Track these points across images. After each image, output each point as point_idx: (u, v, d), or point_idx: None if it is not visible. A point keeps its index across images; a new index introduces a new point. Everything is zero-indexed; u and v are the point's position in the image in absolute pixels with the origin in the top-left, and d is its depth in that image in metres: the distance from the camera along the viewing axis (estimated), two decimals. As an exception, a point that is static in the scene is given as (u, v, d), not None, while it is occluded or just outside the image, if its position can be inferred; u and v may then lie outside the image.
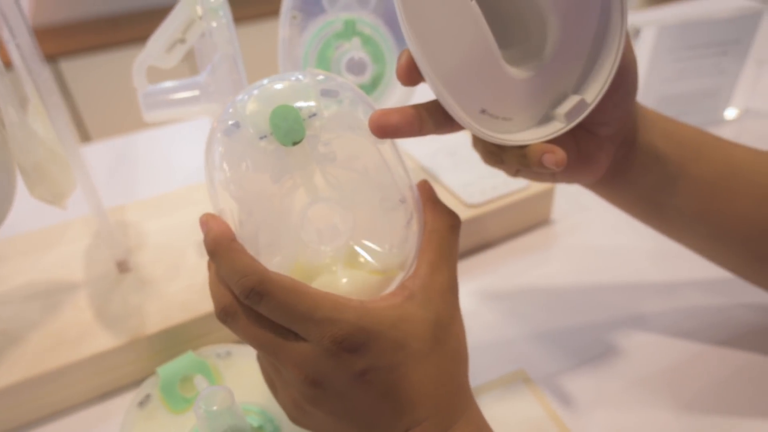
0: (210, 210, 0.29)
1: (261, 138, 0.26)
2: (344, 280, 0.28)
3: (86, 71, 1.98)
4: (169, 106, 0.40)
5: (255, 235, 0.28)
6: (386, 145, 0.29)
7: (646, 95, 0.63)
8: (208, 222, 0.28)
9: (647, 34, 0.60)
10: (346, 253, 0.29)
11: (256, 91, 0.28)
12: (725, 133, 0.65)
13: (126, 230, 0.49)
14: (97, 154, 0.71)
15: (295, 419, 0.30)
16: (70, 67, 1.95)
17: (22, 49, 0.34)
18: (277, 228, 0.28)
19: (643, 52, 0.61)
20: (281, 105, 0.26)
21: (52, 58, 1.93)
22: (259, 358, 0.32)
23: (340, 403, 0.27)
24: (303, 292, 0.26)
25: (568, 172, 0.34)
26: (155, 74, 0.41)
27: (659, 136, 0.35)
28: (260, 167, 0.27)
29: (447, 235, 0.29)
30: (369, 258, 0.29)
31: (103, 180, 0.65)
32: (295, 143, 0.27)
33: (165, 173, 0.66)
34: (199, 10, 0.36)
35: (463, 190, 0.50)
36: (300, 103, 0.27)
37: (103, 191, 0.62)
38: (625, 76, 0.31)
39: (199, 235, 0.48)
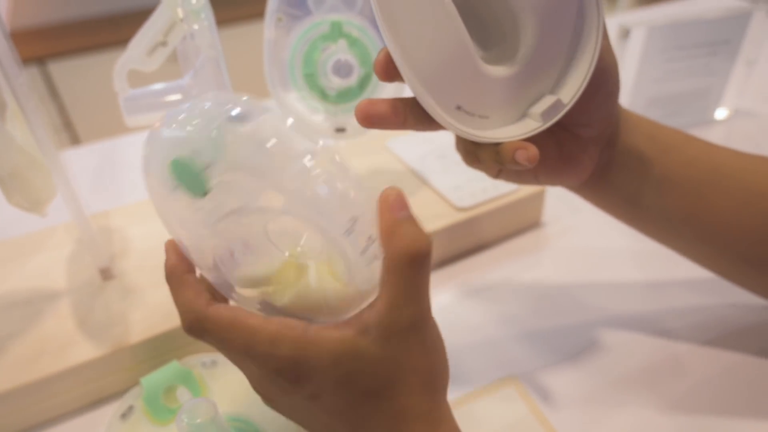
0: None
1: (174, 189, 0.25)
2: (326, 287, 0.27)
3: (76, 73, 1.96)
4: (151, 110, 0.39)
5: (225, 253, 0.27)
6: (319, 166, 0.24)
7: (636, 96, 0.63)
8: (167, 251, 0.29)
9: (637, 34, 0.59)
10: (325, 258, 0.27)
11: (159, 132, 0.25)
12: (715, 133, 0.65)
13: (110, 236, 0.48)
14: (84, 158, 0.70)
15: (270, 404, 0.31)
16: (59, 68, 1.93)
17: (-2, 53, 0.33)
18: (246, 244, 0.27)
19: (633, 53, 0.61)
20: (176, 159, 0.24)
21: (40, 59, 1.91)
22: None
23: (297, 415, 0.29)
24: (241, 327, 0.26)
25: (552, 174, 0.34)
26: (143, 78, 0.40)
27: (643, 138, 0.35)
28: (190, 218, 0.25)
29: (406, 269, 0.25)
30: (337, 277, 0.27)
31: (89, 185, 0.64)
32: (205, 194, 0.24)
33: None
34: (181, 13, 0.35)
35: (453, 193, 0.50)
36: (196, 149, 0.24)
37: (89, 196, 0.61)
38: (606, 77, 0.31)
39: (185, 241, 0.47)
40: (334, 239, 0.24)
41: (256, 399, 0.36)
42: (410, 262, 0.25)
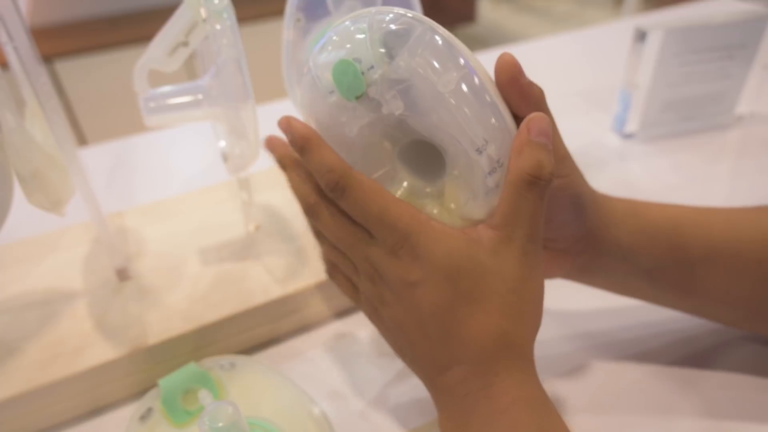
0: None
1: (330, 92, 0.28)
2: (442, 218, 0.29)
3: (82, 72, 1.96)
4: (170, 111, 0.39)
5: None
6: (467, 86, 0.27)
7: (652, 99, 0.63)
8: (290, 122, 0.30)
9: (653, 37, 0.59)
10: (441, 191, 0.30)
11: (324, 38, 0.28)
12: (731, 138, 0.65)
13: (125, 237, 0.48)
14: (94, 157, 0.69)
15: (371, 319, 0.32)
16: (66, 68, 1.94)
17: (20, 52, 0.33)
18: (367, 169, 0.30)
19: (648, 56, 0.60)
20: (340, 60, 0.27)
21: (47, 59, 1.91)
22: (333, 274, 0.36)
23: (397, 305, 0.29)
24: (379, 193, 0.28)
25: None
26: (152, 78, 0.40)
27: (628, 233, 0.34)
28: (335, 120, 0.29)
29: (524, 188, 0.27)
30: (453, 206, 0.29)
31: (101, 185, 0.64)
32: (357, 98, 0.27)
33: (164, 178, 0.65)
34: (203, 13, 0.35)
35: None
36: (359, 54, 0.27)
37: (101, 196, 0.61)
38: (564, 206, 0.32)
39: (201, 243, 0.47)
40: (466, 153, 0.27)
41: (274, 401, 0.36)
42: (529, 184, 0.26)
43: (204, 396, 0.33)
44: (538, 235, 0.28)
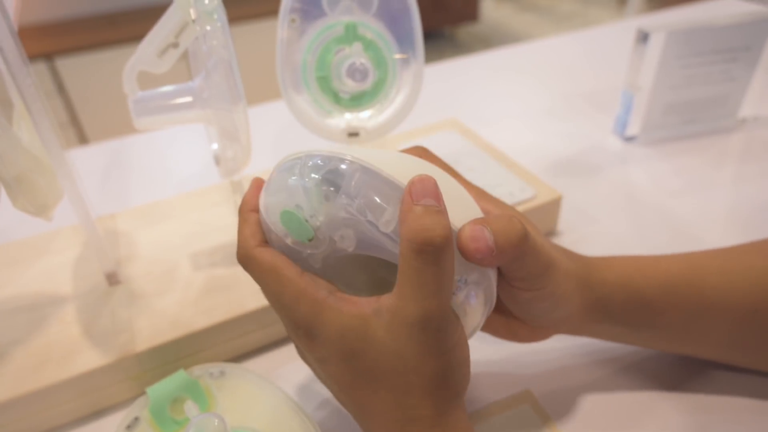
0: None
1: (285, 235, 0.28)
2: None
3: (83, 69, 1.96)
4: (160, 113, 0.38)
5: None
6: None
7: (654, 102, 0.62)
8: (251, 185, 0.31)
9: (655, 39, 0.58)
10: None
11: (270, 183, 0.29)
12: (734, 142, 0.64)
13: (116, 240, 0.47)
14: (90, 157, 0.69)
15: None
16: (67, 64, 1.93)
17: (5, 53, 0.32)
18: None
19: (651, 58, 0.59)
20: (283, 210, 0.28)
21: (48, 56, 1.91)
22: None
23: (316, 371, 0.31)
24: (276, 275, 0.28)
25: (503, 338, 0.36)
26: (151, 79, 0.39)
27: (619, 305, 0.34)
28: (299, 255, 0.29)
29: (413, 259, 0.24)
30: None
31: (95, 185, 0.63)
32: (310, 240, 0.28)
33: (160, 179, 0.64)
34: (193, 13, 0.34)
35: (466, 201, 0.48)
36: (300, 201, 0.27)
37: (95, 197, 0.60)
38: (544, 312, 0.32)
39: (193, 247, 0.46)
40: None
41: (264, 410, 0.35)
42: (417, 252, 0.24)
43: (189, 408, 0.32)
44: (440, 308, 0.25)
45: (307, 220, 0.27)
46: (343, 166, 0.26)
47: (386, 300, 0.26)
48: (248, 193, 0.31)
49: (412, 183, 0.25)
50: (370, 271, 0.33)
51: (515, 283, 0.30)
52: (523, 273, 0.29)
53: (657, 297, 0.34)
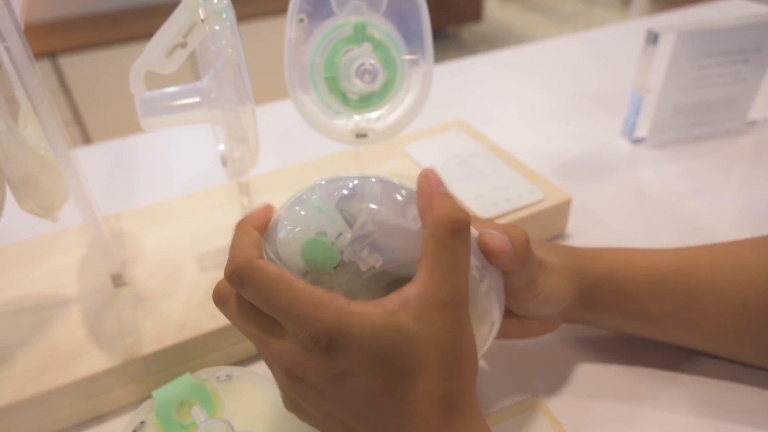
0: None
1: (304, 274, 0.27)
2: None
3: (87, 68, 1.96)
4: (167, 113, 0.38)
5: None
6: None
7: (663, 103, 0.61)
8: (262, 209, 0.29)
9: (665, 40, 0.58)
10: None
11: (279, 228, 0.28)
12: (743, 144, 0.63)
13: (122, 241, 0.47)
14: (95, 157, 0.68)
15: (289, 408, 0.30)
16: (71, 63, 1.93)
17: (12, 53, 0.32)
18: None
19: (660, 59, 0.59)
20: (308, 240, 0.27)
21: (52, 54, 1.90)
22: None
23: (322, 400, 0.27)
24: (287, 283, 0.25)
25: (519, 337, 0.38)
26: (157, 79, 0.39)
27: (612, 294, 0.36)
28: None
29: (447, 239, 0.26)
30: None
31: (100, 185, 0.63)
32: (335, 268, 0.27)
33: (165, 179, 0.64)
34: (202, 13, 0.34)
35: (475, 202, 0.48)
36: (322, 228, 0.27)
37: (99, 197, 0.60)
38: (527, 290, 0.32)
39: (199, 248, 0.46)
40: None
41: (272, 415, 0.35)
42: (450, 233, 0.26)
43: (197, 413, 0.31)
44: (466, 284, 0.27)
45: (333, 243, 0.27)
46: (356, 182, 0.27)
47: (411, 290, 0.26)
48: (254, 212, 0.29)
49: (424, 174, 0.27)
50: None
51: (519, 294, 0.32)
52: (525, 279, 0.31)
53: (645, 287, 0.35)
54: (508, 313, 0.35)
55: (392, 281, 0.29)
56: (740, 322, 0.35)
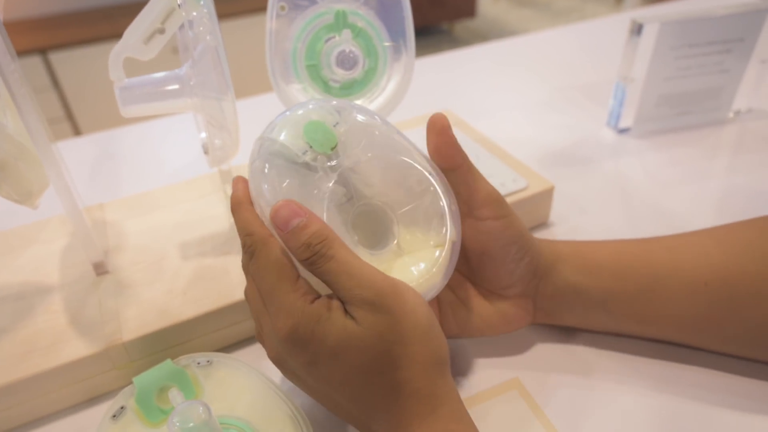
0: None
1: (303, 153, 0.31)
2: (412, 268, 0.31)
3: (77, 64, 1.95)
4: (147, 100, 0.38)
5: None
6: (398, 137, 0.33)
7: (647, 94, 0.62)
8: (236, 183, 0.32)
9: (649, 30, 0.58)
10: (397, 250, 0.33)
11: (277, 120, 0.32)
12: (727, 133, 0.63)
13: (104, 230, 0.47)
14: (83, 149, 0.68)
15: (285, 374, 0.33)
16: (61, 59, 1.92)
17: (-12, 39, 0.32)
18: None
19: (644, 49, 0.59)
20: (311, 121, 0.31)
21: (42, 50, 1.89)
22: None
23: (302, 380, 0.31)
24: (273, 272, 0.29)
25: (496, 329, 0.37)
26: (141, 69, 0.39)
27: (573, 270, 0.37)
28: (308, 182, 0.31)
29: (313, 264, 0.29)
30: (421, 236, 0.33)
31: (86, 176, 0.63)
32: (332, 149, 0.31)
33: (151, 170, 0.64)
34: (179, -1, 0.34)
35: (458, 191, 0.48)
36: (321, 117, 0.32)
37: (85, 188, 0.60)
38: (508, 249, 0.35)
39: (182, 237, 0.46)
40: (426, 178, 0.33)
41: (251, 400, 0.35)
42: (309, 264, 0.29)
43: (174, 396, 0.32)
44: (361, 281, 0.29)
45: (333, 127, 0.31)
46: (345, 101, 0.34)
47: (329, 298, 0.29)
48: (241, 188, 0.32)
49: (275, 211, 0.29)
50: (364, 229, 0.34)
51: (480, 212, 0.34)
52: (482, 195, 0.34)
53: (606, 265, 0.36)
54: (480, 300, 0.37)
55: (358, 214, 0.33)
56: (703, 303, 0.35)
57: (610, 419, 0.35)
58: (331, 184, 0.31)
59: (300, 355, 0.29)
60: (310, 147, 0.31)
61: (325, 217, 0.30)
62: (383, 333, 0.27)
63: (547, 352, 0.39)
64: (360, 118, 0.33)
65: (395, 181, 0.33)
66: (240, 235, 0.31)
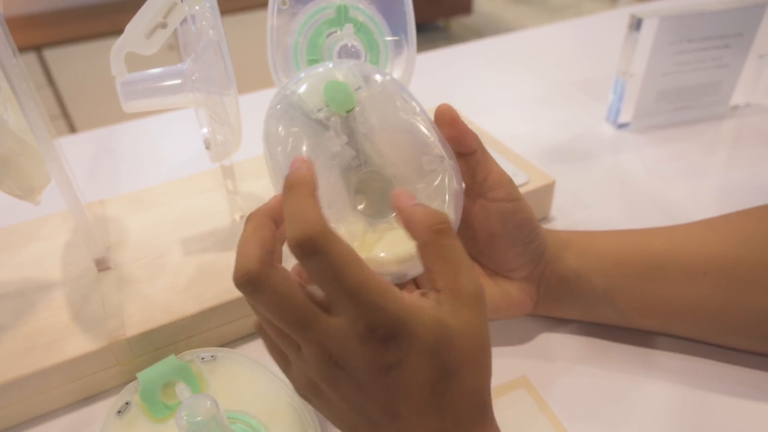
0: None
1: (318, 111, 0.31)
2: (406, 242, 0.30)
3: (72, 61, 1.94)
4: (149, 95, 0.38)
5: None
6: (419, 115, 0.33)
7: (646, 88, 0.62)
8: (299, 163, 0.27)
9: (648, 25, 0.58)
10: (394, 222, 0.32)
11: (303, 74, 0.32)
12: (726, 128, 0.64)
13: (106, 226, 0.47)
14: (81, 145, 0.68)
15: (305, 397, 0.30)
16: (56, 56, 1.91)
17: (-10, 33, 0.32)
18: (336, 203, 0.31)
19: (643, 44, 0.59)
20: (332, 80, 0.31)
21: (37, 47, 1.88)
22: (263, 332, 0.30)
23: (357, 392, 0.26)
24: (359, 262, 0.24)
25: (502, 313, 0.37)
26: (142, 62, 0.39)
27: (576, 258, 0.37)
28: (318, 138, 0.31)
29: (441, 240, 0.26)
30: None
31: (86, 173, 0.62)
32: (348, 111, 0.31)
33: (151, 166, 0.63)
34: (181, -7, 0.33)
35: (459, 186, 0.48)
36: (345, 79, 0.32)
37: (86, 185, 0.60)
38: (520, 232, 0.35)
39: (184, 233, 0.46)
40: (429, 170, 0.32)
41: (256, 394, 0.35)
42: (438, 234, 0.27)
43: (181, 390, 0.32)
44: (474, 274, 0.27)
45: (355, 91, 0.31)
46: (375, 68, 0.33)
47: (431, 292, 0.26)
48: (307, 170, 0.27)
49: (395, 195, 0.28)
50: (368, 195, 0.34)
51: (493, 194, 0.34)
52: (495, 176, 0.34)
53: (606, 253, 0.37)
54: (490, 281, 0.37)
55: (362, 180, 0.33)
56: (702, 292, 0.35)
57: (619, 416, 0.35)
58: (339, 147, 0.31)
59: (384, 356, 0.24)
60: (327, 105, 0.31)
61: (327, 176, 0.30)
62: (474, 336, 0.26)
63: (554, 349, 0.40)
64: (389, 88, 0.32)
65: (407, 156, 0.32)
66: (290, 222, 0.24)
